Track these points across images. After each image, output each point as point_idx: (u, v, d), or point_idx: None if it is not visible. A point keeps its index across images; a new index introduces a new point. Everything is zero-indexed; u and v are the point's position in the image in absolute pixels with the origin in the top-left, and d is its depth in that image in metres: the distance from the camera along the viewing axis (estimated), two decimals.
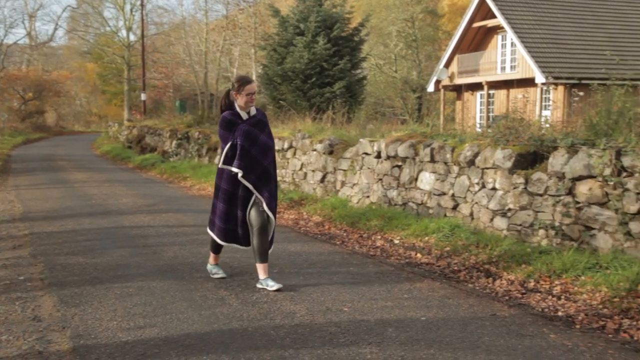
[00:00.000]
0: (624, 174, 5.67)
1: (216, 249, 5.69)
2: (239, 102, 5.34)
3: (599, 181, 5.86)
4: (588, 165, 5.94)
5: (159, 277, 5.73)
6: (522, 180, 6.70)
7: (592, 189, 5.92)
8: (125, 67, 43.62)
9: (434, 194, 8.10)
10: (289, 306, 4.83)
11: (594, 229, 5.93)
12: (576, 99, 9.68)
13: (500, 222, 6.99)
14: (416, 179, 8.46)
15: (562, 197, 6.23)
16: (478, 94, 26.76)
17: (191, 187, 13.89)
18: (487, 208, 7.17)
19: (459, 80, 26.67)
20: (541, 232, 6.45)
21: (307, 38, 20.53)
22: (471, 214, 7.47)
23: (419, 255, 6.79)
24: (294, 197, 10.78)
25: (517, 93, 23.46)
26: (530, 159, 6.81)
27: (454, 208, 7.76)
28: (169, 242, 7.43)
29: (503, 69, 25.21)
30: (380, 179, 9.22)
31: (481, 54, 26.03)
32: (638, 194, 5.52)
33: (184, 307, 4.81)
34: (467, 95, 27.16)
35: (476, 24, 25.98)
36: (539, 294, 5.23)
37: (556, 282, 5.43)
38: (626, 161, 5.64)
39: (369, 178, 9.51)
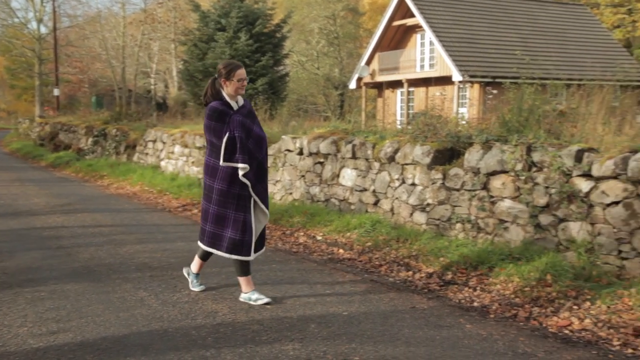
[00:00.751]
0: (534, 168, 5.93)
1: (247, 269, 4.91)
2: (229, 90, 4.76)
3: (512, 176, 6.11)
4: (501, 160, 6.18)
5: (74, 280, 5.51)
6: (440, 175, 6.89)
7: (505, 183, 6.17)
8: (37, 61, 41.60)
9: (356, 190, 8.20)
10: (210, 305, 4.76)
11: (507, 222, 6.18)
12: (490, 96, 10.05)
13: (419, 217, 7.16)
14: (338, 176, 8.54)
15: (477, 192, 6.45)
16: (398, 91, 27.33)
17: (109, 186, 13.45)
18: (407, 203, 7.32)
19: (379, 78, 27.13)
20: (458, 225, 6.66)
21: (229, 34, 20.30)
22: (392, 209, 7.62)
23: (341, 251, 6.86)
24: None
25: (435, 91, 24.15)
26: (447, 155, 7.01)
27: (375, 204, 7.88)
28: (84, 243, 7.16)
29: (422, 67, 25.84)
30: (303, 176, 9.24)
31: (401, 52, 26.58)
32: (547, 187, 5.80)
33: (101, 309, 4.65)
34: (387, 92, 27.68)
35: (396, 23, 26.50)
36: (456, 286, 5.40)
37: (472, 274, 5.61)
38: (536, 156, 5.90)
39: (292, 175, 9.52)
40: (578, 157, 5.56)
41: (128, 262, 6.18)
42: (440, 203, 6.87)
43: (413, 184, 7.27)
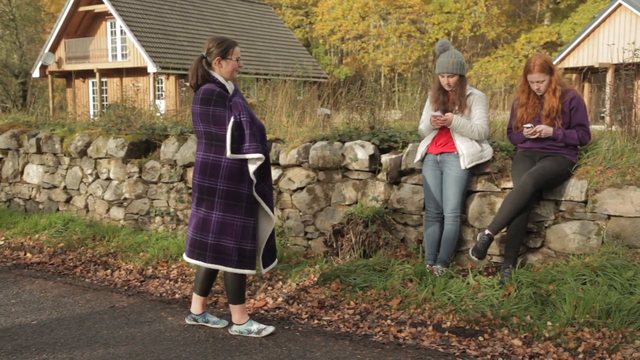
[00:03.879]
0: None
1: (207, 287, 4.15)
2: (224, 70, 3.92)
3: None
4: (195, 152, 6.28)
5: None
6: (136, 169, 6.72)
7: None
8: None
9: (44, 188, 7.54)
10: None
11: None
12: (184, 89, 10.14)
13: (117, 212, 6.90)
14: (22, 173, 7.74)
15: (175, 184, 6.46)
16: (90, 81, 25.90)
17: None
18: (103, 199, 6.99)
19: (68, 67, 25.36)
20: (157, 219, 6.60)
21: None
22: (86, 206, 7.19)
23: (28, 254, 6.25)
24: None
25: (130, 82, 23.48)
26: (143, 148, 6.87)
27: (68, 201, 7.36)
28: None
29: (115, 56, 24.90)
30: None
31: (91, 40, 25.22)
32: None
33: None
34: (78, 82, 26.01)
35: (83, 8, 25.02)
36: (157, 280, 5.34)
37: (173, 266, 5.61)
38: None
39: None
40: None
41: None
42: (138, 197, 6.72)
43: (108, 179, 6.97)
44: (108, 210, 6.98)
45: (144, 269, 5.62)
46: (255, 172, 3.82)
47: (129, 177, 6.77)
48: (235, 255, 3.86)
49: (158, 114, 8.31)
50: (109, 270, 5.64)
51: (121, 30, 24.28)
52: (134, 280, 5.37)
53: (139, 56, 23.08)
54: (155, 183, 6.61)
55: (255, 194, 3.88)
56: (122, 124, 7.11)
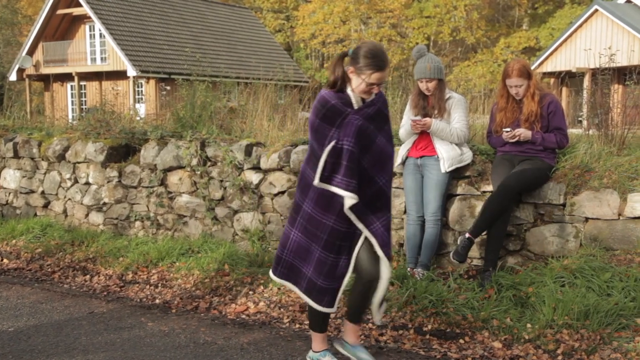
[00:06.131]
0: (209, 163, 6.14)
1: (323, 323, 3.52)
2: (355, 85, 3.20)
3: (188, 171, 6.22)
4: (177, 156, 6.24)
5: None
6: (115, 173, 6.66)
7: (182, 178, 6.26)
8: None
9: (22, 193, 7.44)
10: None
11: (186, 216, 6.28)
12: (164, 92, 10.08)
13: (96, 217, 6.83)
14: None
15: (155, 188, 6.41)
16: (68, 85, 25.64)
17: None
18: (82, 204, 6.92)
19: (46, 70, 25.06)
20: (137, 223, 6.54)
21: None
22: (65, 211, 7.11)
23: (5, 260, 6.16)
24: None
25: (109, 85, 23.27)
26: (123, 152, 6.81)
27: (46, 206, 7.27)
28: None
29: (94, 60, 24.69)
30: None
31: (69, 43, 24.97)
32: (221, 181, 6.06)
33: None
34: (56, 86, 25.73)
35: (61, 11, 24.77)
36: (137, 285, 5.29)
37: (153, 271, 5.57)
38: (210, 151, 6.11)
39: None
40: (248, 151, 5.93)
41: None
42: (118, 201, 6.66)
43: (87, 183, 6.89)
44: (87, 215, 6.91)
45: (124, 274, 5.56)
46: (358, 207, 3.18)
47: (108, 182, 6.71)
48: (304, 282, 3.35)
49: (138, 118, 8.25)
50: (88, 276, 5.58)
51: (100, 34, 24.07)
52: (113, 285, 5.31)
53: (119, 60, 22.90)
54: (135, 187, 6.56)
55: (366, 231, 3.24)
56: (102, 128, 7.04)
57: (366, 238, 3.26)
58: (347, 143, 3.13)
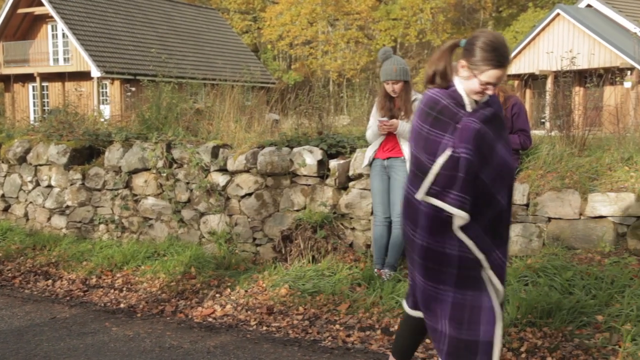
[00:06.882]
0: (175, 165, 6.08)
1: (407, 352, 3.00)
2: (466, 83, 2.68)
3: (154, 173, 6.15)
4: (142, 158, 6.16)
5: None
6: (79, 175, 6.54)
7: (148, 181, 6.18)
8: None
9: None
10: None
11: (151, 219, 6.21)
12: (129, 94, 9.94)
13: (58, 221, 6.70)
14: None
15: (120, 191, 6.32)
16: (30, 85, 25.10)
17: None
18: (44, 207, 6.78)
19: (6, 70, 24.47)
20: (102, 227, 6.44)
21: None
22: (26, 215, 6.96)
23: None
24: None
25: (73, 86, 22.86)
26: (86, 154, 6.70)
27: (6, 210, 7.10)
28: None
29: (56, 60, 24.23)
30: None
31: (31, 43, 24.45)
32: (187, 183, 6.00)
33: None
34: (17, 86, 25.16)
35: (22, 10, 24.25)
36: (101, 289, 5.21)
37: (118, 275, 5.48)
38: (176, 153, 6.05)
39: None
40: (214, 153, 5.88)
41: None
42: (81, 204, 6.54)
43: (49, 186, 6.76)
44: (49, 218, 6.77)
45: (88, 279, 5.47)
46: (476, 232, 2.61)
47: (71, 184, 6.59)
48: (444, 344, 2.65)
49: (102, 120, 8.13)
50: (50, 281, 5.47)
51: (63, 34, 23.63)
52: (76, 290, 5.22)
53: (82, 60, 22.50)
54: (99, 190, 6.45)
55: (483, 260, 2.63)
56: (64, 129, 6.92)
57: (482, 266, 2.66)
58: (465, 151, 2.55)
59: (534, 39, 22.75)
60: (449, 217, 2.59)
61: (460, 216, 2.56)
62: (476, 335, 2.58)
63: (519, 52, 23.31)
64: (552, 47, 20.27)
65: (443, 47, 2.75)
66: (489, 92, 2.65)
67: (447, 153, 2.57)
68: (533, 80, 18.94)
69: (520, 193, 4.61)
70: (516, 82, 21.35)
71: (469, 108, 2.67)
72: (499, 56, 2.59)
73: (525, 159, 4.85)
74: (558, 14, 21.99)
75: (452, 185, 2.55)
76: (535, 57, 22.38)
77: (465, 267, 2.58)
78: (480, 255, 2.61)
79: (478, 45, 2.60)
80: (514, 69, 23.15)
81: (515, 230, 4.63)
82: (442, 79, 2.70)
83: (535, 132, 6.11)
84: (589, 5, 22.56)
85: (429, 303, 2.66)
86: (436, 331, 2.66)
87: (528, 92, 18.22)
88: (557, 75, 6.04)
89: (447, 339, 2.61)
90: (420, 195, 2.60)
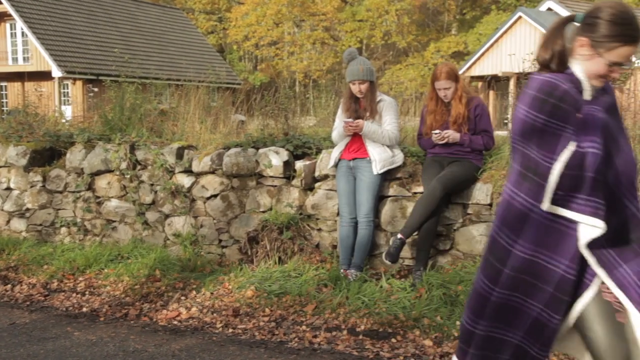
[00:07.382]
0: (139, 167, 5.99)
1: None
2: (588, 63, 2.24)
3: (117, 175, 6.05)
4: (105, 159, 6.06)
5: None
6: (39, 178, 6.40)
7: (111, 182, 6.08)
8: None
9: None
10: None
11: (115, 221, 6.11)
12: (91, 94, 9.77)
13: (18, 224, 6.54)
14: None
15: (82, 193, 6.21)
16: None
17: None
18: (2, 210, 6.61)
19: None
20: (63, 230, 6.31)
21: None
22: None
23: None
24: None
25: (33, 86, 22.39)
26: (47, 156, 6.56)
27: None
28: None
29: (15, 59, 23.72)
30: None
31: None
32: (152, 185, 5.92)
33: None
34: None
35: None
36: (63, 294, 5.10)
37: (80, 279, 5.38)
38: (140, 155, 5.97)
39: None
40: (179, 154, 5.82)
41: None
42: (42, 207, 6.40)
43: (8, 189, 6.60)
44: (8, 221, 6.61)
45: (49, 283, 5.35)
46: (601, 243, 2.19)
47: (31, 187, 6.44)
48: (506, 354, 2.39)
49: (63, 121, 7.97)
50: (9, 285, 5.34)
51: (22, 32, 23.13)
52: (37, 294, 5.10)
53: (43, 60, 22.06)
54: (61, 192, 6.32)
55: (608, 280, 2.20)
56: (24, 130, 6.76)
57: (599, 287, 2.26)
58: (592, 146, 2.12)
59: (496, 41, 23.15)
60: (567, 230, 2.21)
61: (595, 226, 2.14)
62: (544, 355, 2.33)
63: (483, 54, 23.68)
64: (514, 49, 20.62)
65: (554, 24, 2.31)
66: (615, 75, 2.24)
67: (571, 149, 2.13)
68: (496, 82, 19.25)
69: (483, 193, 4.68)
70: (480, 84, 21.67)
71: (587, 95, 2.24)
72: (632, 30, 2.17)
73: (488, 160, 4.92)
74: (520, 17, 22.41)
75: (580, 187, 2.14)
76: (498, 59, 22.76)
77: (561, 290, 2.25)
78: (601, 271, 2.21)
79: (604, 18, 2.17)
80: (477, 70, 23.50)
81: (479, 230, 4.69)
82: (560, 62, 2.26)
83: (499, 133, 6.20)
84: (549, 9, 23.05)
85: (509, 315, 2.35)
86: (503, 344, 2.38)
87: (491, 93, 18.51)
88: (520, 77, 6.15)
89: (515, 348, 2.37)
90: (546, 205, 2.19)
